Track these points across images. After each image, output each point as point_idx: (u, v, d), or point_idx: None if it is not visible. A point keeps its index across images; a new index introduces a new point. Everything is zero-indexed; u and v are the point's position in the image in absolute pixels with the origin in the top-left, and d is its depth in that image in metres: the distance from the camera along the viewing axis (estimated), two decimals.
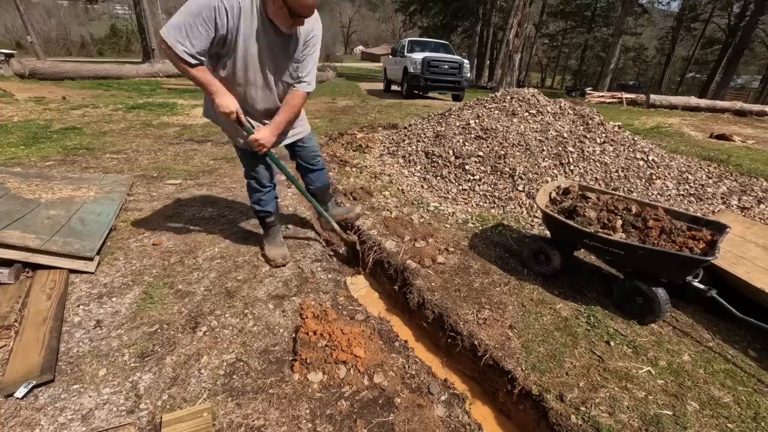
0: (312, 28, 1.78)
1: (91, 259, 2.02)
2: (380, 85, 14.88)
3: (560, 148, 3.56)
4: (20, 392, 1.29)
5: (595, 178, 3.33)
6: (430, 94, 13.00)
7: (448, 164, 3.75)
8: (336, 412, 1.37)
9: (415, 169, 3.93)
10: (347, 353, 1.58)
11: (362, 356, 1.59)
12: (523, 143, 3.65)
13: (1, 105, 6.39)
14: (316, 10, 1.69)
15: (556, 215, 2.11)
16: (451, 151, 3.84)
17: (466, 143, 3.86)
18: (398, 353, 1.69)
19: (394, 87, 13.32)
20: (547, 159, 3.49)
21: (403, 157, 4.21)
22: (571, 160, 3.45)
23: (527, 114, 4.06)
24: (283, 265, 2.26)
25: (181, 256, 2.24)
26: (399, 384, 1.52)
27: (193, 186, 3.31)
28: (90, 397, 1.33)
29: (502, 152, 3.59)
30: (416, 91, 11.66)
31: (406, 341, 1.79)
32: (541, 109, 4.09)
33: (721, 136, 7.02)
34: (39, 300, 1.71)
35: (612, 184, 3.26)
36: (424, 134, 4.40)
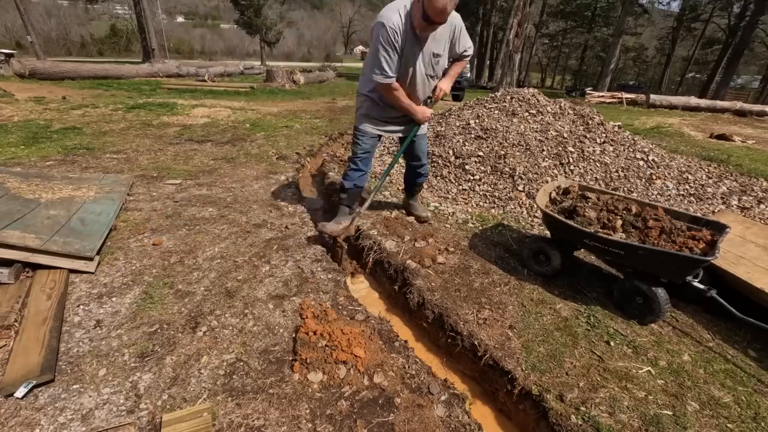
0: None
1: (91, 259, 2.02)
2: None
3: (560, 148, 3.56)
4: (20, 392, 1.29)
5: (595, 178, 3.33)
6: None
7: (448, 164, 3.75)
8: (336, 412, 1.37)
9: None
10: (347, 353, 1.58)
11: (362, 356, 1.59)
12: (523, 143, 3.65)
13: (1, 105, 6.39)
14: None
15: (556, 215, 2.11)
16: (451, 151, 3.84)
17: (466, 143, 3.86)
18: (398, 353, 1.69)
19: None
20: (547, 159, 3.49)
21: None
22: (571, 160, 3.45)
23: (527, 114, 4.06)
24: (327, 234, 2.54)
25: (181, 256, 2.24)
26: (399, 384, 1.52)
27: (193, 186, 3.31)
28: (90, 397, 1.33)
29: (502, 152, 3.59)
30: None
31: (406, 341, 1.79)
32: (541, 109, 4.09)
33: (721, 136, 7.03)
34: (39, 300, 1.71)
35: (612, 184, 3.26)
36: None
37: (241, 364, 1.53)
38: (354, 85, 14.78)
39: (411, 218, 2.91)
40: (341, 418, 1.35)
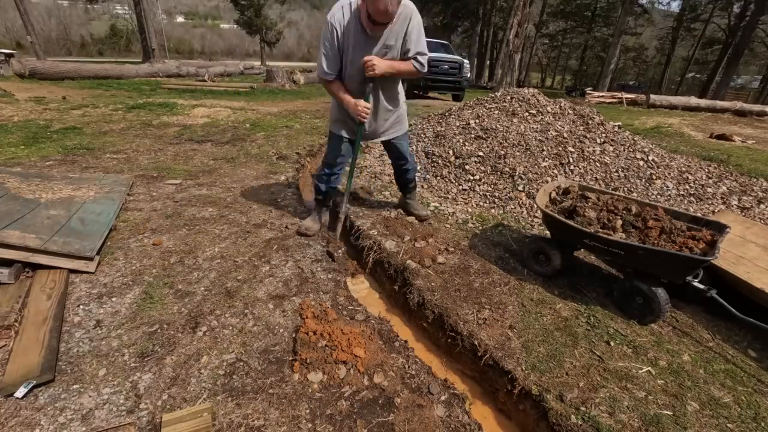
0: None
1: (91, 259, 2.02)
2: None
3: (560, 148, 3.56)
4: (20, 392, 1.29)
5: (595, 178, 3.33)
6: (430, 94, 13.00)
7: (448, 164, 3.75)
8: (336, 412, 1.37)
9: None
10: (347, 353, 1.58)
11: (362, 356, 1.59)
12: (523, 143, 3.65)
13: (1, 105, 6.39)
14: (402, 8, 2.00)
15: (556, 215, 2.11)
16: (451, 151, 3.84)
17: (466, 143, 3.86)
18: (398, 353, 1.69)
19: None
20: (547, 159, 3.49)
21: None
22: (571, 160, 3.45)
23: (527, 114, 4.06)
24: (306, 235, 2.62)
25: (181, 256, 2.24)
26: (399, 384, 1.52)
27: (193, 186, 3.31)
28: (90, 397, 1.33)
29: (502, 152, 3.59)
30: (416, 91, 11.66)
31: (406, 341, 1.79)
32: (541, 109, 4.09)
33: (722, 136, 7.02)
34: (39, 300, 1.71)
35: (612, 184, 3.26)
36: (424, 134, 4.40)
37: (241, 364, 1.53)
38: None
39: (411, 218, 2.91)
40: (341, 418, 1.35)
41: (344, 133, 2.47)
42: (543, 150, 3.57)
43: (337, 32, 2.04)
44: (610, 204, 2.17)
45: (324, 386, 1.46)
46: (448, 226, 2.85)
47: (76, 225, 2.21)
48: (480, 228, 2.84)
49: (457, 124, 4.23)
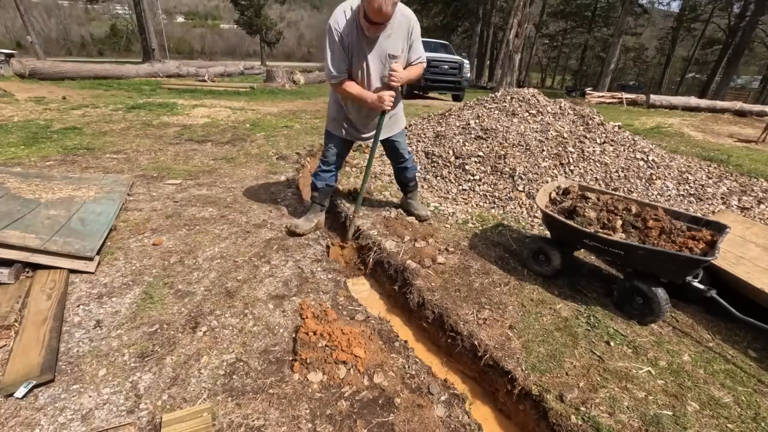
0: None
1: (91, 259, 2.02)
2: None
3: (560, 149, 3.56)
4: (20, 392, 1.29)
5: (595, 178, 3.33)
6: (430, 94, 13.00)
7: (448, 164, 3.75)
8: (336, 412, 1.37)
9: None
10: (347, 353, 1.58)
11: (362, 356, 1.59)
12: (523, 143, 3.65)
13: (1, 105, 6.39)
14: (398, 11, 2.05)
15: (556, 215, 2.11)
16: (451, 151, 3.84)
17: (466, 143, 3.86)
18: (398, 353, 1.69)
19: None
20: (547, 159, 3.49)
21: None
22: (571, 161, 3.45)
23: (527, 114, 4.06)
24: (294, 233, 2.58)
25: (181, 256, 2.24)
26: (399, 384, 1.52)
27: (193, 186, 3.31)
28: (90, 397, 1.33)
29: (502, 152, 3.59)
30: (416, 92, 11.66)
31: (406, 341, 1.79)
32: (541, 109, 4.09)
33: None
34: (39, 300, 1.71)
35: (612, 185, 3.26)
36: (424, 134, 4.40)
37: (241, 364, 1.53)
38: None
39: (411, 218, 2.91)
40: (341, 418, 1.35)
41: (340, 133, 2.50)
42: (543, 150, 3.57)
43: (339, 35, 2.07)
44: (610, 204, 2.17)
45: (324, 386, 1.46)
46: (448, 226, 2.85)
47: (76, 225, 2.21)
48: (480, 228, 2.84)
49: (457, 124, 4.23)
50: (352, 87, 2.21)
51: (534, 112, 4.07)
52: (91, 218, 2.34)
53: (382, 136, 2.51)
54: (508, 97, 4.40)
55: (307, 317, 1.77)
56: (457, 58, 11.42)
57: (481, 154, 3.67)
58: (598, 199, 2.24)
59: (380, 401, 1.43)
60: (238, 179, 3.57)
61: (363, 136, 2.53)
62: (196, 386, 1.41)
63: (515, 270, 2.31)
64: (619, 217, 2.07)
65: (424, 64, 2.35)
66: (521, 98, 4.31)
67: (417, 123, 4.95)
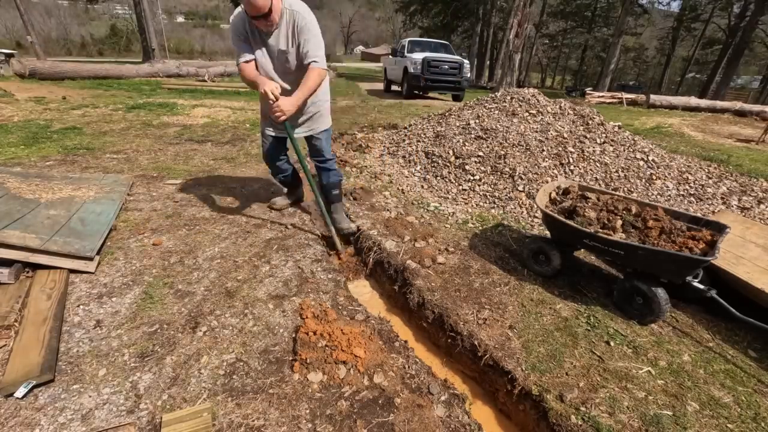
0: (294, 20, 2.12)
1: (91, 259, 2.02)
2: (380, 85, 14.87)
3: (560, 149, 3.56)
4: (20, 392, 1.29)
5: (595, 178, 3.33)
6: (430, 94, 13.00)
7: (448, 164, 3.75)
8: (336, 412, 1.37)
9: (415, 169, 3.93)
10: (347, 353, 1.58)
11: (362, 356, 1.59)
12: (523, 143, 3.65)
13: (1, 105, 6.38)
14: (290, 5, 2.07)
15: (556, 215, 2.11)
16: (451, 151, 3.84)
17: (466, 143, 3.86)
18: (398, 353, 1.69)
19: (394, 87, 13.32)
20: (547, 159, 3.49)
21: (403, 157, 4.22)
22: (571, 161, 3.45)
23: (527, 114, 4.06)
24: (277, 209, 2.93)
25: (181, 256, 2.24)
26: (399, 384, 1.52)
27: (193, 186, 3.31)
28: (90, 397, 1.33)
29: (502, 152, 3.59)
30: (416, 91, 11.65)
31: (406, 341, 1.79)
32: (541, 109, 4.09)
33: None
34: (39, 300, 1.71)
35: (612, 185, 3.26)
36: (424, 134, 4.41)
37: (241, 364, 1.53)
38: (354, 85, 14.78)
39: (411, 218, 2.91)
40: (341, 418, 1.35)
41: (265, 128, 2.49)
42: (543, 150, 3.57)
43: (238, 24, 2.10)
44: (610, 204, 2.17)
45: (324, 386, 1.46)
46: (448, 226, 2.85)
47: (76, 225, 2.21)
48: (480, 228, 2.84)
49: (457, 124, 4.23)
50: (249, 71, 2.14)
51: (534, 112, 4.07)
52: (91, 218, 2.34)
53: (301, 134, 2.43)
54: (508, 97, 4.40)
55: (307, 317, 1.77)
56: (457, 58, 11.42)
57: (481, 154, 3.67)
58: (598, 199, 2.24)
59: (380, 401, 1.43)
60: (238, 179, 3.57)
61: (280, 129, 2.41)
62: (196, 386, 1.41)
63: (515, 270, 2.31)
64: (619, 217, 2.07)
65: (320, 69, 2.14)
66: (521, 98, 4.31)
67: (417, 123, 4.95)
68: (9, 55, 10.77)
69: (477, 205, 3.25)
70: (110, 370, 1.44)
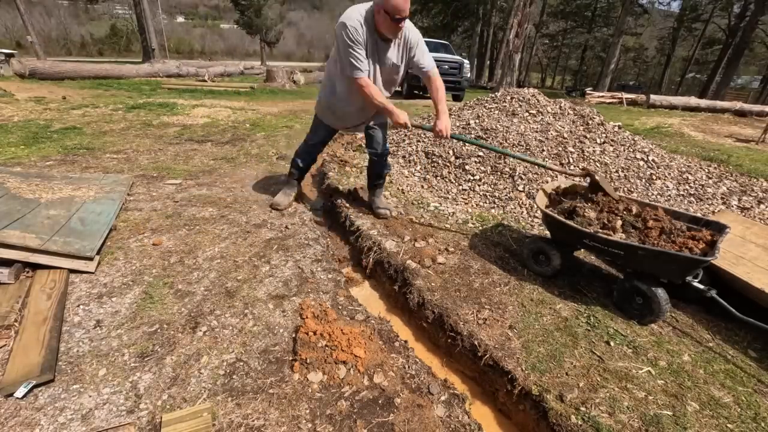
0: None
1: (91, 258, 2.02)
2: None
3: (560, 149, 3.56)
4: (20, 392, 1.29)
5: None
6: None
7: (448, 164, 3.75)
8: (336, 412, 1.37)
9: (415, 169, 3.93)
10: (347, 353, 1.58)
11: (362, 356, 1.59)
12: (523, 143, 3.65)
13: (1, 105, 6.38)
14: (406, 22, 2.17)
15: (555, 215, 2.11)
16: (451, 151, 3.84)
17: (466, 143, 3.86)
18: (398, 353, 1.69)
19: None
20: (547, 159, 3.49)
21: (403, 157, 4.21)
22: (571, 161, 3.45)
23: (527, 114, 4.06)
24: (277, 209, 2.94)
25: (181, 256, 2.24)
26: (399, 384, 1.52)
27: (193, 186, 3.31)
28: (90, 396, 1.33)
29: None
30: (416, 91, 11.66)
31: (406, 341, 1.79)
32: (541, 109, 4.10)
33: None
34: (39, 300, 1.71)
35: (612, 185, 3.26)
36: (425, 134, 4.40)
37: (241, 364, 1.53)
38: None
39: (411, 218, 2.91)
40: (341, 418, 1.35)
41: (330, 122, 2.66)
42: (543, 150, 3.57)
43: (361, 35, 2.11)
44: (610, 204, 2.17)
45: (324, 386, 1.46)
46: (448, 226, 2.85)
47: (76, 225, 2.21)
48: (480, 228, 2.84)
49: (457, 124, 4.23)
50: (375, 89, 2.25)
51: (534, 112, 4.07)
52: (91, 218, 2.34)
53: (371, 122, 2.64)
54: (508, 97, 4.40)
55: (307, 317, 1.77)
56: (457, 58, 11.43)
57: (481, 154, 3.67)
58: (600, 200, 2.24)
59: (380, 401, 1.43)
60: (238, 179, 3.57)
61: (348, 126, 2.66)
62: (196, 386, 1.41)
63: (515, 270, 2.31)
64: (619, 218, 2.07)
65: (434, 76, 2.35)
66: (521, 98, 4.31)
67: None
68: (9, 55, 10.77)
69: (477, 205, 3.25)
70: (110, 370, 1.44)
